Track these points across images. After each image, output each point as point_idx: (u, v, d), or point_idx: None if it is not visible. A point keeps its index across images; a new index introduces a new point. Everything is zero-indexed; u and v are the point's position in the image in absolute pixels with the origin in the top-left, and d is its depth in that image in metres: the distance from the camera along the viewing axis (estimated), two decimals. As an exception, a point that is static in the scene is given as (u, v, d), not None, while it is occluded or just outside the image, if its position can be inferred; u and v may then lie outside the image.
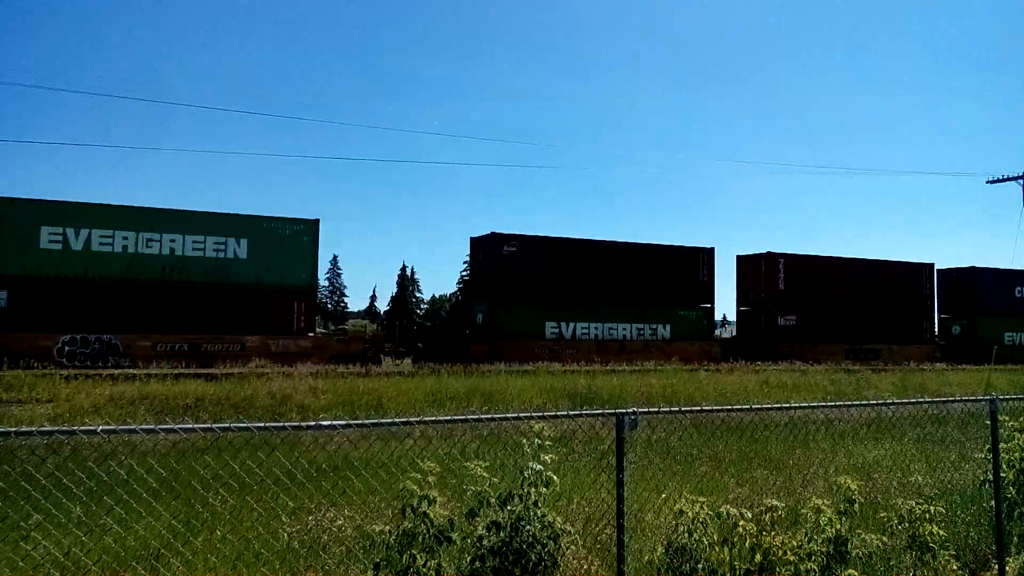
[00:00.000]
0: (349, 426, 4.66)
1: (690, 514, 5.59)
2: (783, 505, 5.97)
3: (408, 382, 20.60)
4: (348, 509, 6.34)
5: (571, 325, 34.33)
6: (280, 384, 18.23)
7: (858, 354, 38.99)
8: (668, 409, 5.50)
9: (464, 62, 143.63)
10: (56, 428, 4.20)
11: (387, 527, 4.81)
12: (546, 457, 5.15)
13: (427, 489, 4.72)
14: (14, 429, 4.15)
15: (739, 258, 41.32)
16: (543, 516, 5.16)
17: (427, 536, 4.77)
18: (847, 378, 25.84)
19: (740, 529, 5.58)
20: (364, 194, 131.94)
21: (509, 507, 5.11)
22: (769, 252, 39.40)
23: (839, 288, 40.30)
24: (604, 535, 6.28)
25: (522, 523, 5.08)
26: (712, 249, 38.20)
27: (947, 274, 45.91)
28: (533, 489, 5.12)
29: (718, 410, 5.92)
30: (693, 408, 5.85)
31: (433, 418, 4.97)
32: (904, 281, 42.70)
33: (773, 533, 5.85)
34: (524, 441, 5.25)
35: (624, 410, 5.10)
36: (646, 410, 5.30)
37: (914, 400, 7.87)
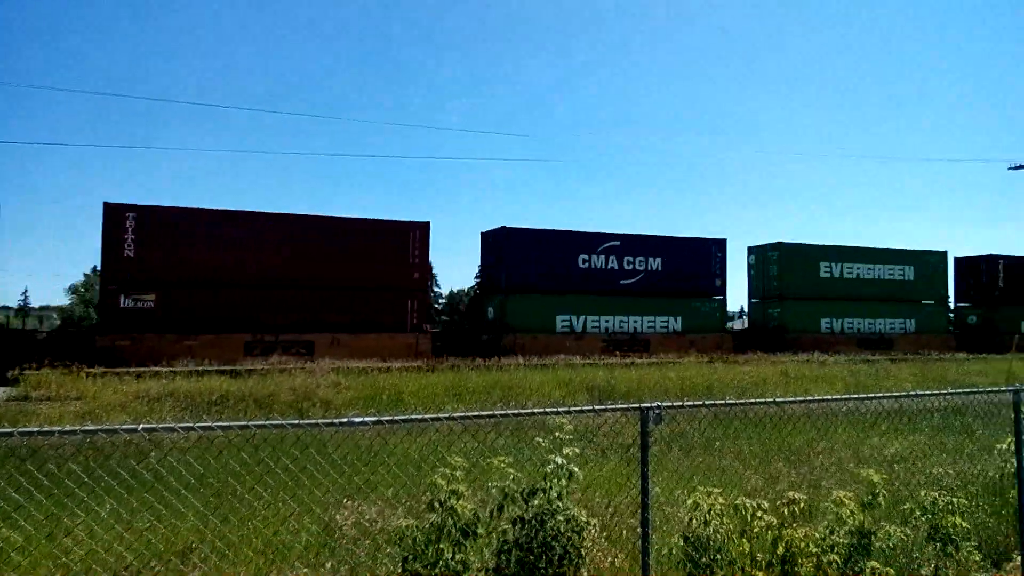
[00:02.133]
0: (380, 423, 4.77)
1: (705, 506, 5.67)
2: (804, 498, 6.04)
3: (428, 376, 20.78)
4: (375, 504, 6.48)
5: None
6: (302, 380, 18.45)
7: (270, 348, 27.37)
8: (692, 403, 5.58)
9: (478, 59, 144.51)
10: (99, 427, 4.35)
11: (414, 522, 4.92)
12: (567, 451, 5.24)
13: (454, 483, 4.84)
14: (57, 428, 4.30)
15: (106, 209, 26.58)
16: (566, 510, 5.26)
17: (454, 530, 4.88)
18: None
19: (759, 521, 5.67)
20: (381, 191, 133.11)
21: (534, 501, 5.21)
22: (115, 203, 26.35)
23: (246, 255, 27.73)
24: (626, 527, 6.38)
25: (546, 517, 5.18)
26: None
27: (485, 239, 35.14)
28: (556, 482, 5.22)
29: (741, 404, 5.99)
30: (717, 403, 5.92)
31: (461, 414, 5.07)
32: (378, 246, 29.83)
33: (795, 525, 5.93)
34: (539, 439, 5.33)
35: (648, 404, 5.18)
36: (670, 404, 5.37)
37: (935, 392, 7.90)
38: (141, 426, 4.36)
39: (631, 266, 35.43)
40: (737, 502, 5.63)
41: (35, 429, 4.32)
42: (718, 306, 37.19)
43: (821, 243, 39.87)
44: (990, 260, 44.00)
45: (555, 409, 5.43)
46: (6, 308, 71.48)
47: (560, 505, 5.19)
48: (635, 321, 35.06)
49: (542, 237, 33.60)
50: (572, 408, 5.57)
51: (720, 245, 37.29)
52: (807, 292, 38.47)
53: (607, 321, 34.49)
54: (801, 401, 6.71)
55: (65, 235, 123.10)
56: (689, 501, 5.72)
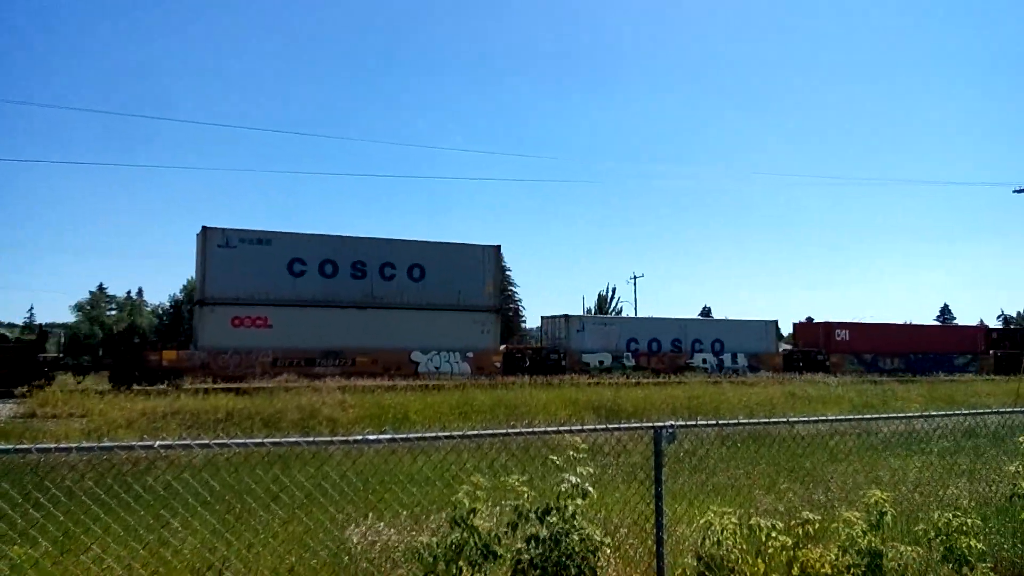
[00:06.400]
0: (394, 440, 4.78)
1: (718, 526, 5.64)
2: (818, 518, 6.01)
3: (433, 396, 20.76)
4: (390, 524, 6.45)
5: None
6: (309, 398, 18.44)
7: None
8: (706, 422, 5.57)
9: (485, 81, 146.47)
10: (116, 443, 4.36)
11: (433, 540, 4.90)
12: (582, 470, 5.22)
13: (476, 502, 4.82)
14: (75, 445, 4.32)
15: None
16: (581, 528, 5.24)
17: (474, 549, 4.86)
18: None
19: (774, 541, 5.64)
20: (385, 209, 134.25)
21: (548, 519, 5.19)
22: None
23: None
24: (639, 546, 6.34)
25: (561, 536, 5.15)
26: None
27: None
28: (570, 502, 5.19)
29: (753, 423, 5.98)
30: (730, 422, 5.91)
31: (475, 432, 5.08)
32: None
33: (809, 546, 5.90)
34: (553, 457, 5.30)
35: (662, 423, 5.18)
36: (683, 423, 5.37)
37: (949, 412, 7.86)
38: (158, 443, 4.37)
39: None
40: (751, 522, 5.60)
41: (52, 445, 4.34)
42: None
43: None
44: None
45: (568, 428, 5.43)
46: (12, 325, 71.69)
47: (575, 524, 5.17)
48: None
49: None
50: (585, 427, 5.58)
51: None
52: None
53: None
54: (813, 421, 6.71)
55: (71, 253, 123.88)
56: (702, 520, 5.69)
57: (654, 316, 44.40)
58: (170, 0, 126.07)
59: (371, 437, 4.77)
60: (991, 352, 50.76)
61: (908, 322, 56.07)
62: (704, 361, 40.92)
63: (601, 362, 37.92)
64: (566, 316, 38.76)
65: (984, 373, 45.68)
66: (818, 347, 45.17)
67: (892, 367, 45.93)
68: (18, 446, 4.19)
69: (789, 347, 50.73)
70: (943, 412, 7.79)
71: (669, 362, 39.67)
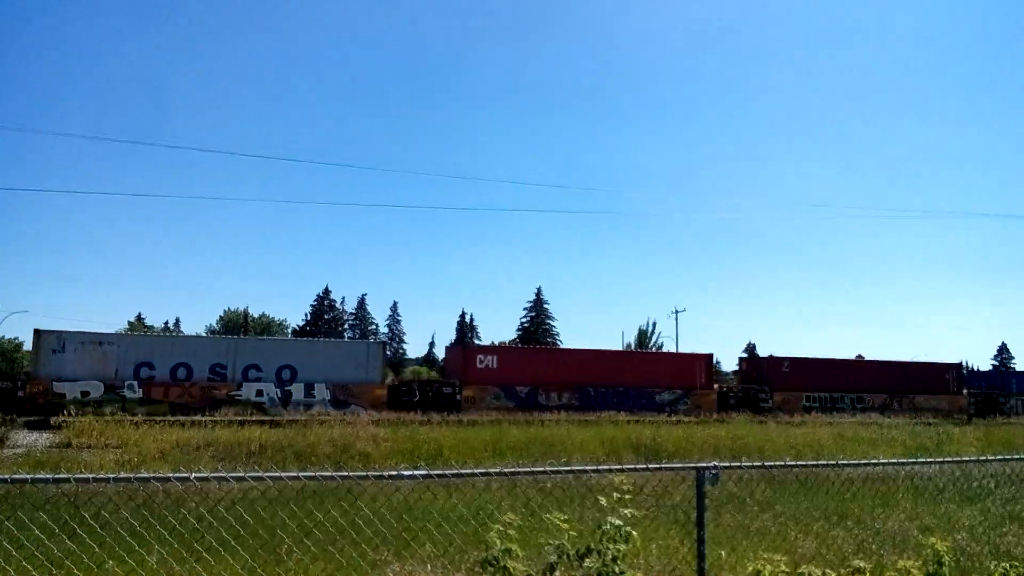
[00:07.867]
0: (430, 476, 4.69)
1: (767, 573, 5.42)
2: (869, 567, 5.76)
3: (466, 431, 20.61)
4: (423, 561, 6.32)
5: None
6: (341, 432, 18.42)
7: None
8: (750, 464, 5.38)
9: (525, 115, 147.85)
10: (152, 475, 4.34)
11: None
12: (625, 511, 5.05)
13: (508, 542, 4.68)
14: (112, 475, 4.30)
15: None
16: (621, 574, 5.05)
17: (506, 590, 4.70)
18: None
19: (823, 591, 5.39)
20: (424, 241, 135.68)
21: (587, 562, 5.01)
22: None
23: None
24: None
25: (601, 582, 4.97)
26: None
27: None
28: (612, 545, 5.01)
29: (800, 465, 5.76)
30: (776, 464, 5.70)
31: (511, 469, 4.95)
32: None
33: (861, 596, 5.63)
34: (600, 498, 5.14)
35: (704, 464, 5.01)
36: (727, 464, 5.18)
37: (1005, 457, 7.52)
38: (194, 475, 4.33)
39: None
40: (800, 570, 5.37)
41: (91, 476, 4.33)
42: None
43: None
44: None
45: (607, 467, 5.28)
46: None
47: (615, 568, 4.98)
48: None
49: None
50: (624, 467, 5.41)
51: None
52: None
53: None
54: (861, 464, 6.45)
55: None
56: (750, 568, 5.47)
57: (185, 335, 33.91)
58: (214, 39, 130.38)
59: (406, 473, 4.69)
60: (715, 387, 41.58)
61: (629, 348, 45.59)
62: (260, 393, 31.87)
63: (86, 394, 29.00)
64: (36, 330, 29.73)
65: (704, 412, 37.42)
66: (456, 376, 37.21)
67: (558, 403, 37.12)
68: (57, 476, 4.19)
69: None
70: (1000, 457, 7.45)
71: (201, 394, 30.74)
